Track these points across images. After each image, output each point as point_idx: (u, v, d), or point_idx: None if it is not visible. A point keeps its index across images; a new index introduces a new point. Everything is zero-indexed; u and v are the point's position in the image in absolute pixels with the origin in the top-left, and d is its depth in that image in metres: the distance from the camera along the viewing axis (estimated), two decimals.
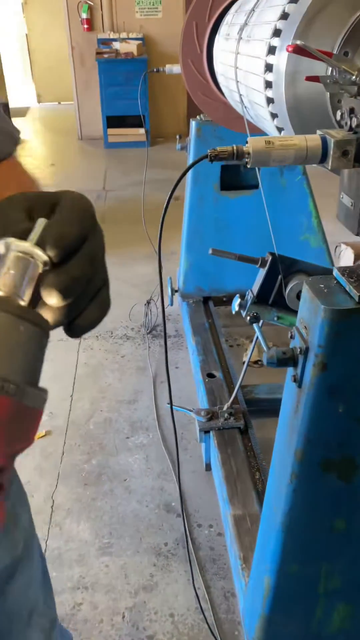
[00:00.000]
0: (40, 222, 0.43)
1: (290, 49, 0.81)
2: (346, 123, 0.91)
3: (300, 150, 0.80)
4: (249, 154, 0.81)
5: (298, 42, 0.79)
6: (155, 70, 2.58)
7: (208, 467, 2.19)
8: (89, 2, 7.13)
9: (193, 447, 2.32)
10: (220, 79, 1.98)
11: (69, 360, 2.92)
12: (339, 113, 1.00)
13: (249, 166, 0.83)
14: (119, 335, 3.17)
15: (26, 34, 11.67)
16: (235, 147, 0.82)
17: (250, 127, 1.69)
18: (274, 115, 1.28)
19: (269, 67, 1.24)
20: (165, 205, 0.89)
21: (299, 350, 0.98)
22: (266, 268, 1.80)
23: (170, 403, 1.29)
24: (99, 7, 7.19)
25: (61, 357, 2.95)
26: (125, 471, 2.23)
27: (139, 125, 7.21)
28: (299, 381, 0.99)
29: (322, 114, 1.11)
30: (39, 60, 11.24)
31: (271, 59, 1.22)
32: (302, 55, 0.81)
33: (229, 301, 3.30)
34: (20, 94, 11.89)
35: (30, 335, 0.40)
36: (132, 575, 1.84)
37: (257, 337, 1.94)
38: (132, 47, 6.94)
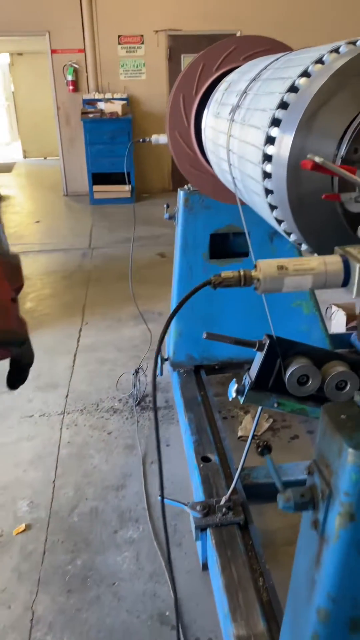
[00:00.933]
0: None
1: (309, 166, 0.70)
2: None
3: (318, 275, 0.68)
4: (258, 280, 0.68)
5: (316, 158, 0.68)
6: (141, 140, 2.53)
7: (205, 567, 1.99)
8: (74, 65, 7.29)
9: (188, 542, 2.12)
10: (210, 156, 1.90)
11: (52, 439, 2.72)
12: None
13: (258, 293, 0.70)
14: (105, 408, 2.99)
15: (13, 92, 11.97)
16: (242, 273, 0.70)
17: (241, 201, 1.60)
18: (273, 207, 1.18)
19: (267, 158, 1.15)
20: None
21: (320, 493, 0.83)
22: (264, 352, 1.69)
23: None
24: (84, 69, 7.36)
25: (43, 435, 2.75)
26: (113, 573, 2.01)
27: (124, 182, 7.27)
28: (320, 529, 0.84)
29: (330, 210, 1.01)
30: (25, 117, 11.47)
31: (270, 149, 1.13)
32: (319, 172, 0.71)
33: (220, 369, 3.17)
34: (6, 150, 12.08)
35: None
36: None
37: (258, 417, 1.80)
38: (116, 107, 7.06)
